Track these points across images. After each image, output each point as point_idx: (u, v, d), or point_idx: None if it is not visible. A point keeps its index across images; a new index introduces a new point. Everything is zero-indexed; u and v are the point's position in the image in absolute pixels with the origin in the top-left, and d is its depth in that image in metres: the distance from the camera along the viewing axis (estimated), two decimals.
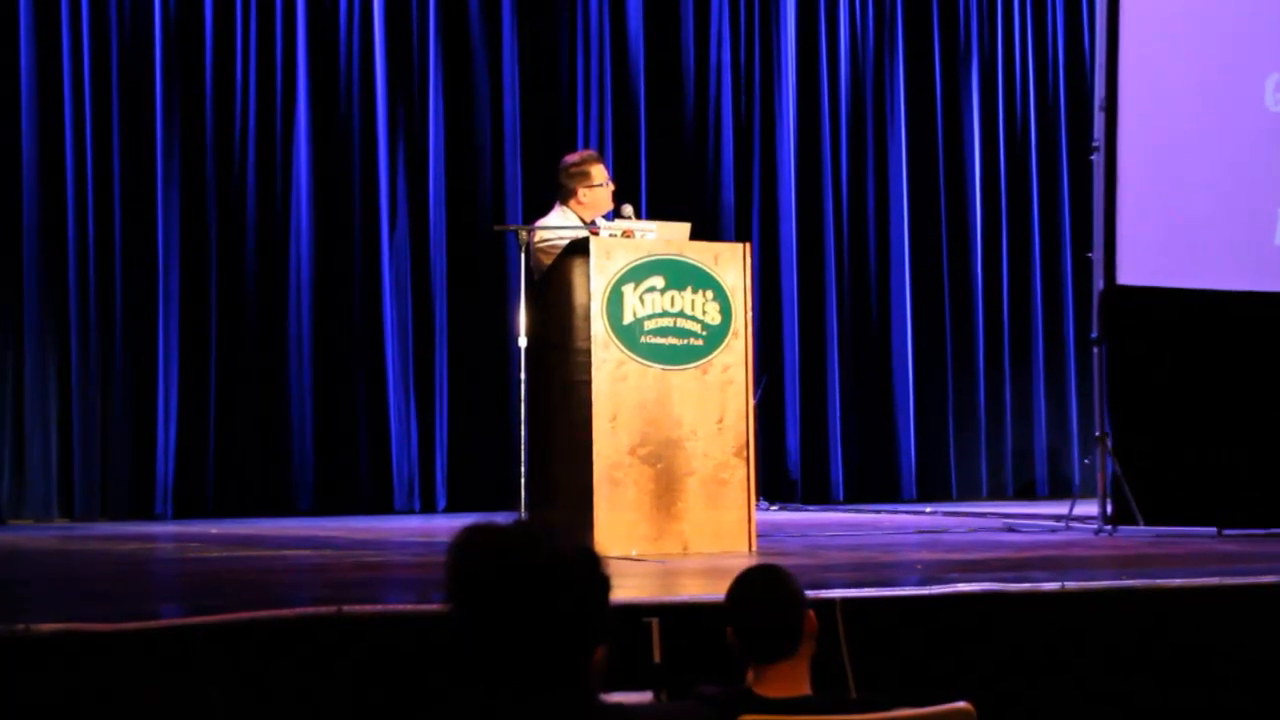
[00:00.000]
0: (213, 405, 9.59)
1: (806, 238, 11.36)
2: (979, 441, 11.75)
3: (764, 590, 3.08)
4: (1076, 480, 11.60)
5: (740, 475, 6.08)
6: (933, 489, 11.47)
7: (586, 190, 6.66)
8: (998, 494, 11.70)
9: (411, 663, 3.83)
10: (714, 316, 6.07)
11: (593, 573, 1.96)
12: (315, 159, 9.96)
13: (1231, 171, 7.83)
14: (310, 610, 3.89)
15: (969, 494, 11.60)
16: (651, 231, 6.20)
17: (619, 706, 2.07)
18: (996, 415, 11.84)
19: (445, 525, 8.80)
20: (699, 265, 6.08)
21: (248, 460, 9.65)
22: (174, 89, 9.62)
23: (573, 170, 6.74)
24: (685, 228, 6.36)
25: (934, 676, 4.20)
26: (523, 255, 6.54)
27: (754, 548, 6.09)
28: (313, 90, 9.98)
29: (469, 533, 1.96)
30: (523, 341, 6.31)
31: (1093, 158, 7.81)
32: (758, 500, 6.62)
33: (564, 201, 6.70)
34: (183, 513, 9.38)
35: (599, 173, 6.75)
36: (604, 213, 6.70)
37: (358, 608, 3.92)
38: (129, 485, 9.38)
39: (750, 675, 3.04)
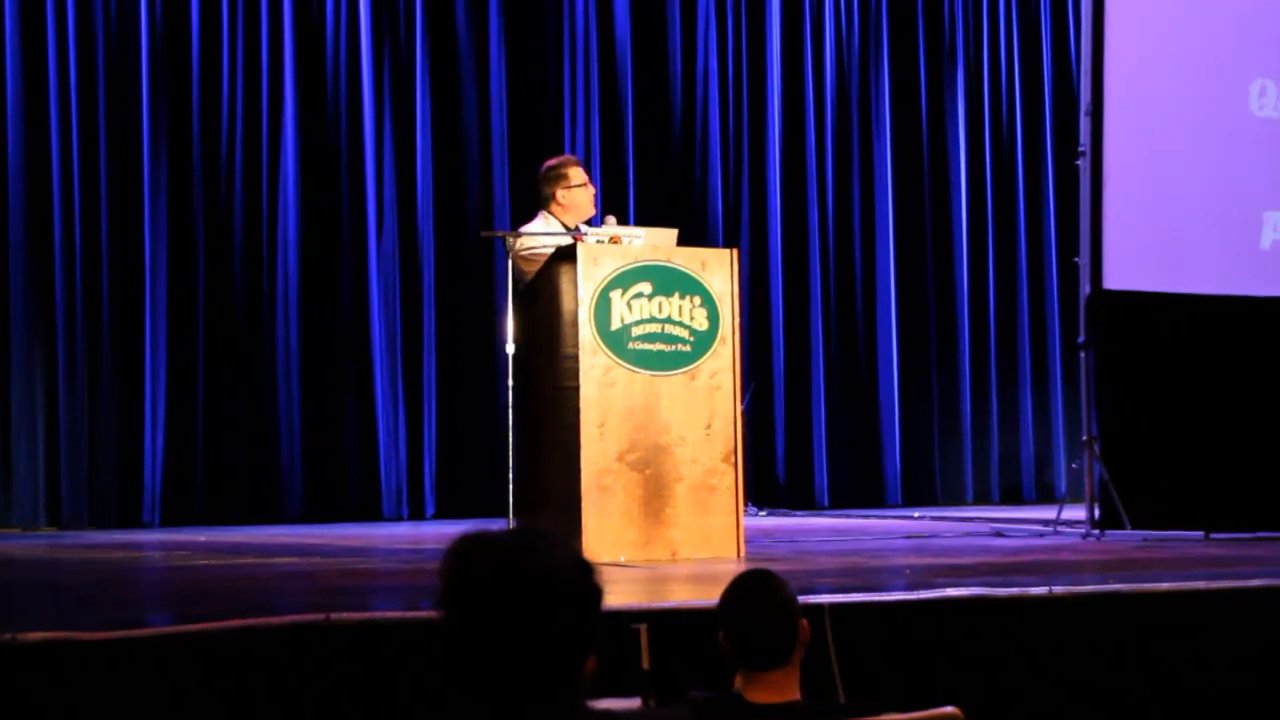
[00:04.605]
0: (200, 413, 9.58)
1: (792, 243, 11.38)
2: (964, 446, 11.78)
3: (760, 597, 3.07)
4: (1062, 485, 11.64)
5: (728, 481, 6.08)
6: (917, 494, 11.49)
7: (565, 191, 6.67)
8: (983, 499, 11.72)
9: (400, 671, 3.83)
10: (701, 322, 6.07)
11: (587, 583, 1.95)
12: (302, 166, 9.96)
13: (1217, 176, 7.86)
14: (298, 618, 3.88)
15: (954, 499, 11.62)
16: (639, 237, 6.20)
17: (608, 713, 2.07)
18: (982, 420, 11.87)
19: (433, 532, 8.81)
20: (686, 271, 6.08)
21: (235, 468, 9.64)
22: (161, 100, 9.61)
23: (551, 173, 6.75)
24: (672, 234, 6.37)
25: (922, 681, 4.20)
26: (510, 261, 6.54)
27: (743, 553, 6.09)
28: (299, 98, 9.98)
29: (464, 541, 1.95)
30: (510, 348, 6.30)
31: (1078, 163, 7.83)
32: (747, 506, 6.61)
33: (545, 207, 6.72)
34: (170, 520, 9.37)
35: (577, 174, 6.75)
36: (585, 216, 6.70)
37: (346, 616, 3.91)
38: (116, 493, 9.36)
39: (739, 680, 3.04)
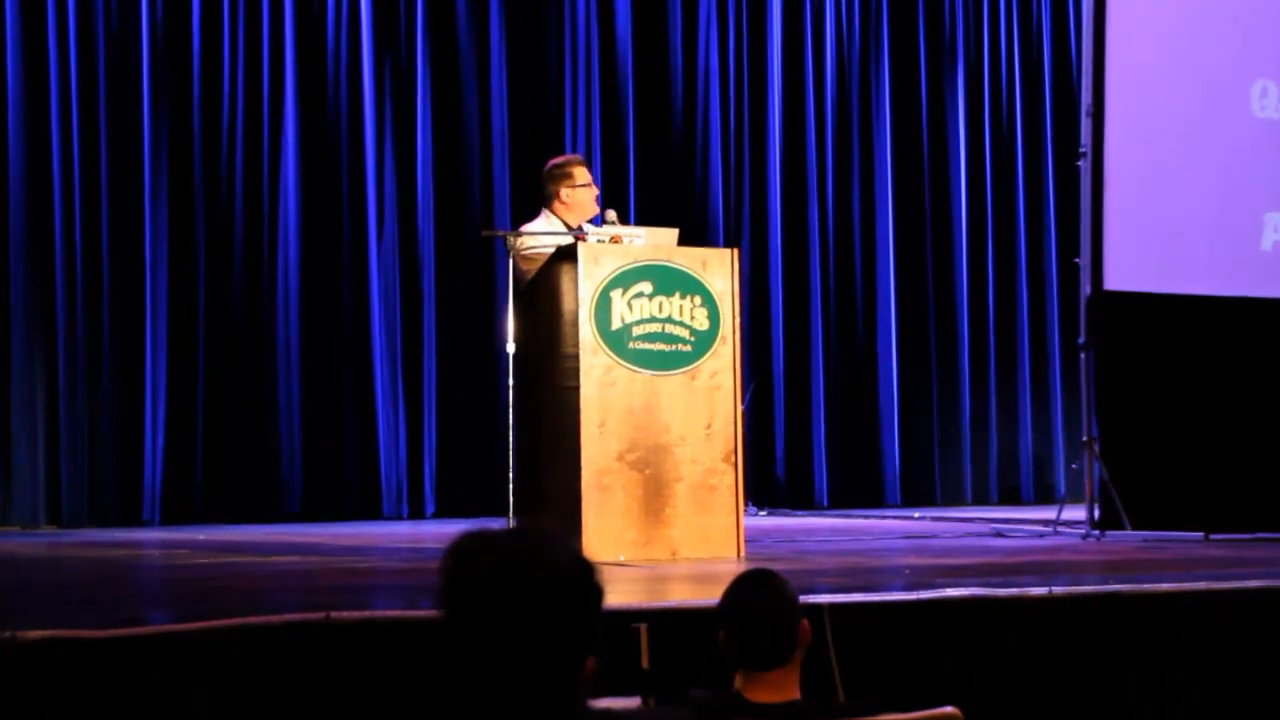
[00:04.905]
0: (200, 411, 9.58)
1: (793, 242, 11.38)
2: (963, 447, 11.78)
3: (761, 597, 3.07)
4: (1061, 486, 11.65)
5: (729, 481, 6.08)
6: (917, 494, 11.50)
7: (569, 191, 6.66)
8: (982, 499, 11.73)
9: (399, 669, 3.83)
10: (702, 322, 6.07)
11: (587, 583, 1.95)
12: (303, 167, 9.96)
13: (1218, 177, 7.86)
14: (298, 616, 3.88)
15: (953, 499, 11.63)
16: (640, 237, 6.20)
17: (608, 712, 2.07)
18: (981, 420, 11.87)
19: (433, 531, 8.81)
20: (687, 271, 6.08)
21: (235, 466, 9.64)
22: (161, 99, 9.61)
23: (555, 172, 6.74)
24: (673, 233, 6.36)
25: (921, 681, 4.20)
26: (510, 261, 6.54)
27: (742, 553, 6.08)
28: (300, 97, 9.98)
29: (465, 540, 1.94)
30: (511, 347, 6.30)
31: (1079, 164, 7.83)
32: (747, 506, 6.61)
33: (548, 206, 6.70)
34: (170, 519, 9.37)
35: (581, 174, 6.74)
36: (588, 216, 6.69)
37: (346, 614, 3.91)
38: (117, 491, 9.36)
39: (739, 680, 3.04)
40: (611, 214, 6.39)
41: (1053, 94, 12.17)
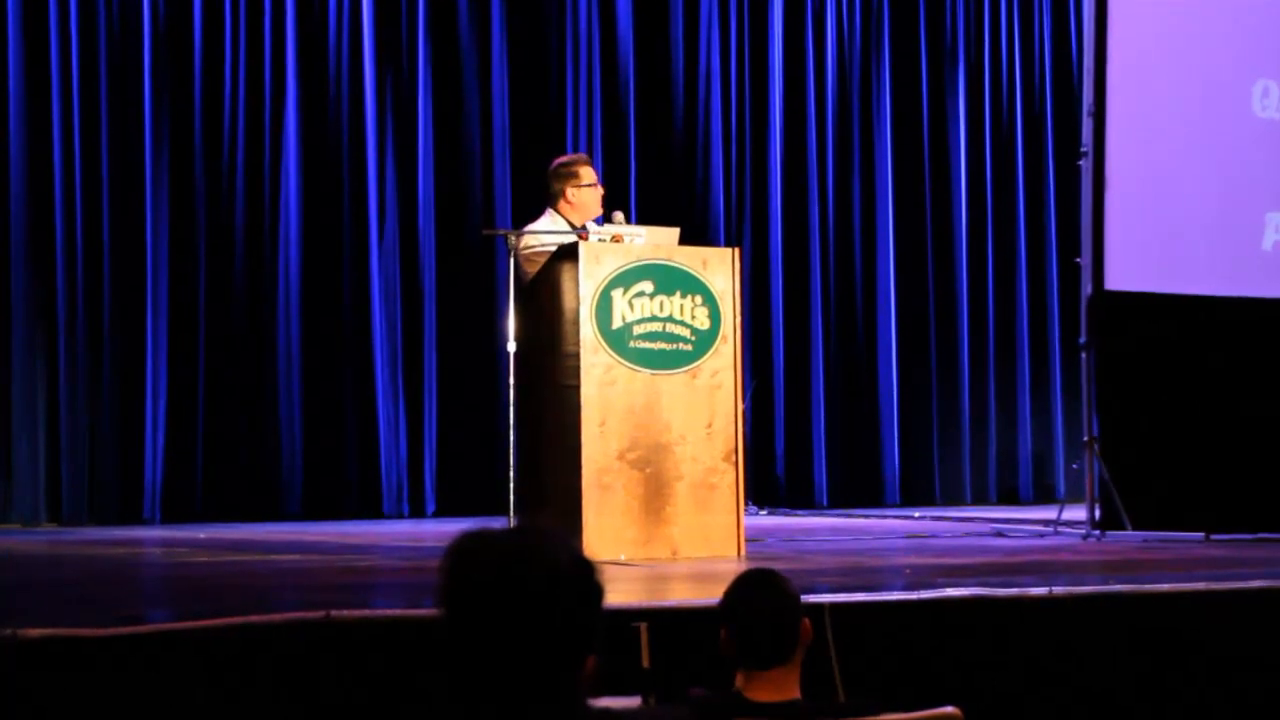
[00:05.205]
0: (201, 409, 9.58)
1: (793, 242, 11.39)
2: (963, 446, 11.79)
3: (763, 596, 3.07)
4: (1061, 486, 11.65)
5: (729, 480, 6.08)
6: (916, 494, 11.50)
7: (575, 190, 6.66)
8: (981, 499, 11.73)
9: (399, 669, 3.83)
10: (703, 321, 6.07)
11: (588, 582, 1.95)
12: (304, 165, 9.96)
13: (1219, 177, 7.86)
14: (298, 615, 3.88)
15: (952, 499, 11.63)
16: (640, 236, 6.20)
17: (607, 712, 2.07)
18: (981, 420, 11.88)
19: (434, 530, 8.81)
20: (688, 270, 6.08)
21: (236, 465, 9.64)
22: (163, 97, 9.61)
23: (562, 170, 6.73)
24: (674, 232, 6.36)
25: (921, 681, 4.20)
26: (511, 260, 6.54)
27: (743, 553, 6.09)
28: (301, 96, 9.98)
29: (465, 539, 1.94)
30: (512, 346, 6.30)
31: (1081, 163, 7.83)
32: (747, 505, 6.61)
33: (553, 205, 6.70)
34: (171, 517, 9.37)
35: (587, 173, 6.74)
36: (592, 216, 6.69)
37: (346, 613, 3.91)
38: (117, 490, 9.36)
39: (739, 679, 3.04)
40: (619, 215, 6.38)
41: (1053, 94, 12.17)
